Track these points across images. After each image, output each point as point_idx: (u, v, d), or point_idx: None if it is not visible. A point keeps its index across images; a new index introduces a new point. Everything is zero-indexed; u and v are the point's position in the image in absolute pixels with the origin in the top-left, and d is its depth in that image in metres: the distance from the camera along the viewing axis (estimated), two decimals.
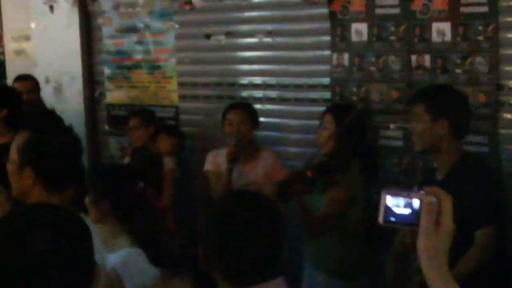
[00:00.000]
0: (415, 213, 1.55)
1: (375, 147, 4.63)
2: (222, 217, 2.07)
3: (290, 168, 4.60)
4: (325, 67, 5.18)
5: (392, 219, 1.56)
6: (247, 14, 5.63)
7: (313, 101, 5.19)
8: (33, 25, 6.94)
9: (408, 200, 1.55)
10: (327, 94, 5.19)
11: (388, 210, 1.56)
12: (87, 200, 2.76)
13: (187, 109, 6.09)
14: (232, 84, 5.72)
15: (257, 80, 5.61)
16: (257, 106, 5.34)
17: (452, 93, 3.73)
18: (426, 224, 1.54)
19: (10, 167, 2.66)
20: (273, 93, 5.53)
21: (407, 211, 1.55)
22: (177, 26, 6.06)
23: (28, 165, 2.61)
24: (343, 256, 4.15)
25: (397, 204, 1.56)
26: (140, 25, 6.28)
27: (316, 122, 4.53)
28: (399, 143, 4.88)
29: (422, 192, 1.56)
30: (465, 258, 3.32)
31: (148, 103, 6.26)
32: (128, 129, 5.68)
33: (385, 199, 1.56)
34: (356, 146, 4.22)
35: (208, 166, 4.88)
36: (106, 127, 6.67)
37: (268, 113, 5.48)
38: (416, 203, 1.55)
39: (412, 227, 1.55)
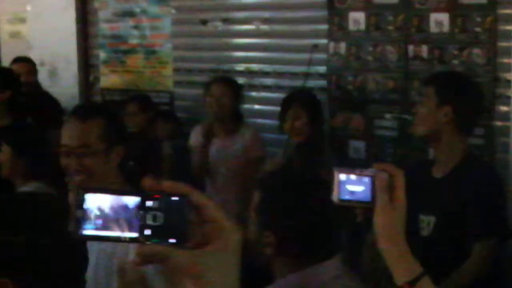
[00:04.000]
0: (369, 191, 1.53)
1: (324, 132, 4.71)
2: (298, 199, 2.10)
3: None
4: (322, 56, 5.15)
5: (347, 197, 1.54)
6: (244, 0, 5.61)
7: None
8: (29, 8, 6.89)
9: (361, 178, 1.54)
10: (323, 83, 5.17)
11: (342, 188, 1.54)
12: None
13: (182, 95, 6.06)
14: (228, 71, 5.67)
15: (253, 67, 5.58)
16: (253, 93, 5.30)
17: (465, 82, 3.40)
18: (381, 201, 1.52)
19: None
20: (269, 81, 5.50)
21: (360, 188, 1.53)
22: (173, 11, 6.02)
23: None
24: None
25: (350, 182, 1.54)
26: (137, 9, 6.24)
27: None
28: (394, 133, 4.86)
29: (373, 169, 1.53)
30: (461, 271, 3.05)
31: (143, 88, 6.22)
32: (126, 114, 5.64)
33: (338, 177, 1.54)
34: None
35: (192, 141, 4.85)
36: None
37: (263, 101, 5.46)
38: (369, 180, 1.53)
39: (367, 205, 1.54)
